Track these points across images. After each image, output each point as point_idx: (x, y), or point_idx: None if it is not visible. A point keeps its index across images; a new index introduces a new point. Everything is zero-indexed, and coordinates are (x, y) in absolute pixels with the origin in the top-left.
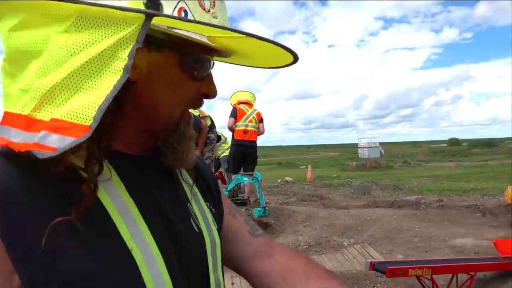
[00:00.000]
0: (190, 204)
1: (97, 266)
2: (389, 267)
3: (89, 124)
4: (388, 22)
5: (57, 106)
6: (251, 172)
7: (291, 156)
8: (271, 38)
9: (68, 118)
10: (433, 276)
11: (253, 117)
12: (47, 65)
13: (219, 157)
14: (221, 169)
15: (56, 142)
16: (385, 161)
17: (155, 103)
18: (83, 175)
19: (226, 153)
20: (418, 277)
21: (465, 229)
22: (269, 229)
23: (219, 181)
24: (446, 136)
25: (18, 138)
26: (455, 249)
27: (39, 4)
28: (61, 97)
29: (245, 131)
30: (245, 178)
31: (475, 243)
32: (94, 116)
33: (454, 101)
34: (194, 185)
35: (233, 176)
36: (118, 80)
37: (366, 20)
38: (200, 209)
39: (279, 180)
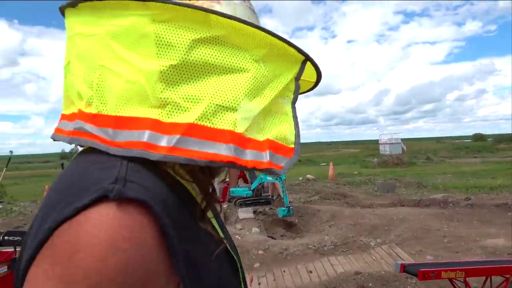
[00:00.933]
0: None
1: (221, 277)
2: (421, 270)
3: (292, 146)
4: (408, 16)
5: (269, 128)
6: None
7: (311, 153)
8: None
9: (278, 140)
10: (467, 278)
11: None
12: (253, 89)
13: None
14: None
15: (280, 161)
16: (407, 157)
17: None
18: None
19: None
20: (451, 280)
21: (496, 229)
22: (294, 228)
23: (240, 180)
24: (470, 132)
25: (247, 156)
26: (486, 249)
27: (245, 28)
28: (270, 119)
29: None
30: (269, 177)
31: (507, 244)
32: (295, 141)
33: (478, 95)
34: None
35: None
36: (292, 111)
37: (386, 14)
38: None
39: (300, 178)
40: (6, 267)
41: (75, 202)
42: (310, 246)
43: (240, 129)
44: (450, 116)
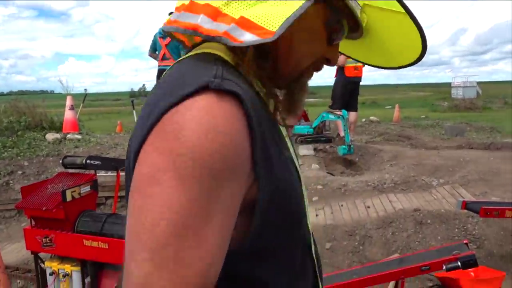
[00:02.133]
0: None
1: (288, 175)
2: (483, 207)
3: (274, 30)
4: None
5: (247, 7)
6: (338, 111)
7: (377, 95)
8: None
9: (255, 20)
10: None
11: None
12: None
13: None
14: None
15: (243, 36)
16: (481, 101)
17: (291, 46)
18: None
19: None
20: None
21: None
22: (354, 167)
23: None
24: None
25: (207, 25)
26: None
27: None
28: (260, 3)
29: (355, 67)
30: (331, 116)
31: None
32: (281, 25)
33: None
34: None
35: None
36: (305, 2)
37: None
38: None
39: (363, 120)
40: (89, 186)
41: (180, 92)
42: (369, 183)
43: (215, 3)
44: None
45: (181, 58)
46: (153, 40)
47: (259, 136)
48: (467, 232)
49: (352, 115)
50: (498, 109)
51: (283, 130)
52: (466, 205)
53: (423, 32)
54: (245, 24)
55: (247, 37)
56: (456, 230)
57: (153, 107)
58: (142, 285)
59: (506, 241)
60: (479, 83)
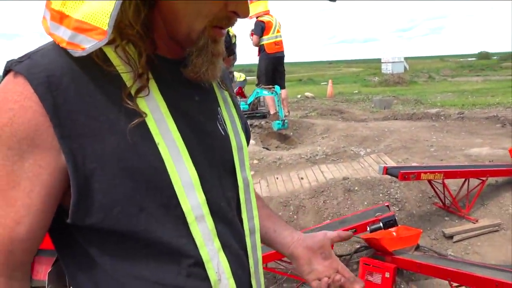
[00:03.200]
0: (220, 108)
1: (127, 153)
2: (401, 171)
3: (105, 29)
4: None
5: (86, 6)
6: (270, 86)
7: (312, 72)
8: None
9: (88, 20)
10: (445, 180)
11: (279, 26)
12: None
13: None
14: (239, 85)
15: (84, 42)
16: (409, 76)
17: (175, 12)
18: (121, 72)
19: (241, 78)
20: (430, 181)
21: (483, 139)
22: (288, 141)
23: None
24: (476, 50)
25: (57, 32)
26: (470, 157)
27: None
28: None
29: (276, 43)
30: (264, 92)
31: (490, 152)
32: (108, 23)
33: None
34: (225, 90)
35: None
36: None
37: None
38: (229, 113)
39: (299, 96)
40: None
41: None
42: (302, 156)
43: (55, 5)
44: (457, 34)
45: None
46: None
47: (56, 114)
48: (390, 196)
49: (282, 92)
50: (423, 83)
51: (158, 99)
52: (386, 171)
53: None
54: (81, 27)
55: (87, 43)
56: (381, 195)
57: None
58: None
59: (424, 202)
60: (406, 58)
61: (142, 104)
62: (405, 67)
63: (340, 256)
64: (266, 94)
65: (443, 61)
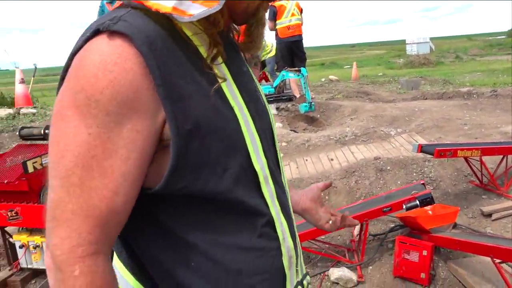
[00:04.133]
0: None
1: (215, 115)
2: (437, 148)
3: None
4: None
5: None
6: (297, 68)
7: (335, 56)
8: None
9: None
10: (482, 157)
11: (294, 10)
12: None
13: (264, 58)
14: (265, 69)
15: (191, 9)
16: (435, 57)
17: None
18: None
19: (271, 54)
20: (466, 159)
21: None
22: (316, 123)
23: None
24: (505, 27)
25: None
26: (506, 135)
27: None
28: None
29: (289, 27)
30: (291, 74)
31: None
32: None
33: None
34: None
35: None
36: None
37: None
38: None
39: (323, 79)
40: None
41: (82, 37)
42: (331, 137)
43: None
44: (484, 12)
45: None
46: (100, 7)
47: (160, 73)
48: (424, 175)
49: None
50: (450, 64)
51: (222, 71)
52: (421, 148)
53: None
54: None
55: (195, 9)
56: (414, 174)
57: (71, 52)
58: (55, 208)
59: (459, 181)
60: (431, 38)
61: (216, 71)
62: (431, 48)
63: (374, 236)
64: (292, 77)
65: (471, 40)
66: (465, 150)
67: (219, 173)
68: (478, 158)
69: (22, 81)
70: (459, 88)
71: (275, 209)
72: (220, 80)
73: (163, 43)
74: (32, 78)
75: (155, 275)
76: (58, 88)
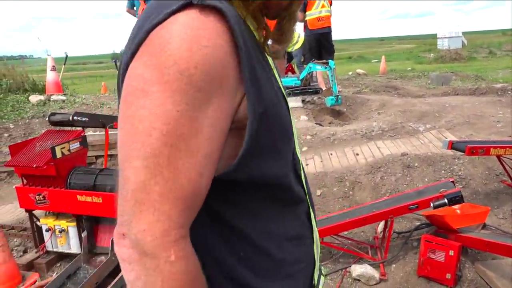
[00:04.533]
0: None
1: (276, 100)
2: (469, 146)
3: None
4: None
5: None
6: (324, 60)
7: (362, 49)
8: None
9: None
10: None
11: (324, 1)
12: None
13: (291, 50)
14: (292, 62)
15: None
16: (467, 52)
17: None
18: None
19: (298, 45)
20: (499, 157)
21: None
22: (342, 116)
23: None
24: None
25: None
26: None
27: None
28: None
29: (319, 19)
30: (318, 67)
31: None
32: None
33: None
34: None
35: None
36: None
37: None
38: None
39: (350, 73)
40: (78, 143)
41: (165, 10)
42: (357, 132)
43: None
44: None
45: None
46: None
47: (245, 53)
48: (453, 173)
49: None
50: (483, 59)
51: (271, 62)
52: (452, 145)
53: None
54: None
55: None
56: (443, 171)
57: (140, 27)
58: (139, 190)
59: (491, 180)
60: (464, 33)
61: (269, 58)
62: (463, 42)
63: (399, 233)
64: (319, 69)
65: (506, 35)
66: (498, 148)
67: (277, 158)
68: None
69: (53, 69)
70: (492, 84)
71: (309, 197)
72: (273, 68)
73: (243, 24)
74: (63, 66)
75: (205, 263)
76: (126, 65)
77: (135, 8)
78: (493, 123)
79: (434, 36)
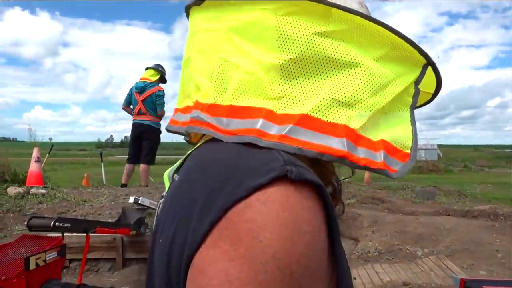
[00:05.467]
0: None
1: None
2: (485, 287)
3: (408, 151)
4: (453, 17)
5: (384, 129)
6: None
7: None
8: None
9: (393, 142)
10: None
11: None
12: (371, 87)
13: None
14: None
15: (395, 164)
16: (443, 164)
17: None
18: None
19: None
20: None
21: None
22: None
23: None
24: (510, 141)
25: (360, 154)
26: None
27: (367, 24)
28: (385, 120)
29: None
30: None
31: None
32: (412, 146)
33: None
34: None
35: None
36: (410, 115)
37: (429, 15)
38: None
39: None
40: (56, 252)
41: (246, 182)
42: (353, 252)
43: (354, 125)
44: (491, 124)
45: (206, 140)
46: (128, 94)
47: (337, 234)
48: None
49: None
50: (459, 172)
51: None
52: (464, 284)
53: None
54: (390, 148)
55: (397, 165)
56: None
57: (208, 199)
58: None
59: None
60: (439, 146)
61: None
62: (438, 155)
63: None
64: None
65: (478, 151)
66: None
67: None
68: None
69: (38, 160)
70: (476, 203)
71: None
72: None
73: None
74: (47, 155)
75: None
76: (195, 249)
77: (131, 106)
78: (492, 252)
79: None
